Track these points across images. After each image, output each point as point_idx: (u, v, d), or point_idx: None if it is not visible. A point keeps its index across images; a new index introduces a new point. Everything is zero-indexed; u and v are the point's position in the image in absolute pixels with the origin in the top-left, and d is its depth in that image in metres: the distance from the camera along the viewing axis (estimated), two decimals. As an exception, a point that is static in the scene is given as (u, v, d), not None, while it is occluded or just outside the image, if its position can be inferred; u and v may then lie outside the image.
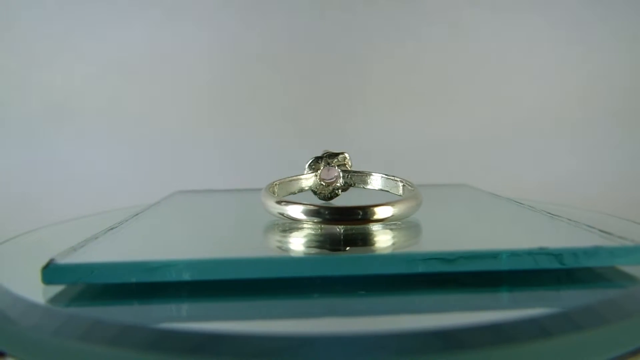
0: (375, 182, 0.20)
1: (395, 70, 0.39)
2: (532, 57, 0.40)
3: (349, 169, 0.20)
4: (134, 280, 0.13)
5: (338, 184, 0.20)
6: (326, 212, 0.16)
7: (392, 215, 0.16)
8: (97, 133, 0.37)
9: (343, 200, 0.19)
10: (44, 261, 0.13)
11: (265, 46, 0.38)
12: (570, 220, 0.18)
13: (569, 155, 0.41)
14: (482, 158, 0.40)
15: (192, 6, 0.37)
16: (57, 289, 0.13)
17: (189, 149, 0.38)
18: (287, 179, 0.19)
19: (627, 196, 0.40)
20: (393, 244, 0.16)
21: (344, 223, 0.16)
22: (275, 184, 0.19)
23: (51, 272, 0.13)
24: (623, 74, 0.40)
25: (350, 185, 0.20)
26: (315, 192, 0.20)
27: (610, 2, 0.40)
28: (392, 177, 0.20)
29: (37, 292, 0.13)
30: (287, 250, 0.16)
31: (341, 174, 0.20)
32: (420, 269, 0.14)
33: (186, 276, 0.13)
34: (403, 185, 0.19)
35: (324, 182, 0.20)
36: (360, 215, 0.16)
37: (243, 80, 0.38)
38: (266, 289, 0.13)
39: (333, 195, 0.20)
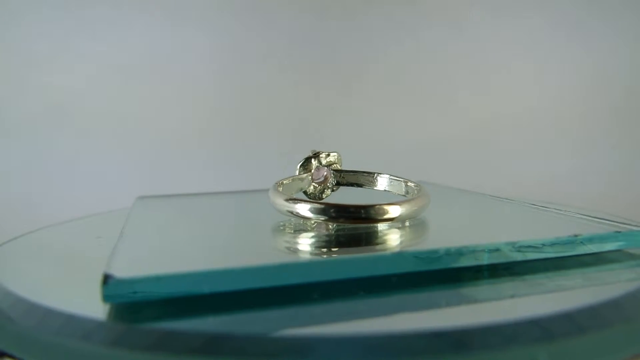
0: (375, 181, 0.20)
1: (394, 70, 0.39)
2: (532, 57, 0.40)
3: (340, 168, 0.20)
4: (206, 290, 0.12)
5: (329, 184, 0.20)
6: (332, 210, 0.16)
7: (400, 215, 0.16)
8: (97, 133, 0.37)
9: (350, 200, 0.19)
10: (44, 261, 0.13)
11: (265, 47, 0.38)
12: (573, 213, 0.18)
13: (568, 155, 0.41)
14: (482, 157, 0.40)
15: (192, 8, 0.37)
16: (57, 289, 0.13)
17: (188, 149, 0.38)
18: (291, 179, 0.19)
19: (627, 196, 0.40)
20: (400, 242, 0.16)
21: (355, 222, 0.16)
22: (281, 184, 0.19)
23: (113, 288, 0.12)
24: (623, 74, 0.40)
25: (342, 185, 0.20)
26: (306, 193, 0.20)
27: (610, 2, 0.40)
28: (393, 177, 0.20)
29: (38, 293, 0.13)
30: (296, 251, 0.16)
31: (332, 174, 0.20)
32: (430, 265, 0.14)
33: (258, 283, 0.13)
34: (406, 185, 0.19)
35: (314, 182, 0.20)
36: (371, 215, 0.16)
37: (243, 81, 0.38)
38: (265, 290, 0.13)
39: (323, 195, 0.20)
